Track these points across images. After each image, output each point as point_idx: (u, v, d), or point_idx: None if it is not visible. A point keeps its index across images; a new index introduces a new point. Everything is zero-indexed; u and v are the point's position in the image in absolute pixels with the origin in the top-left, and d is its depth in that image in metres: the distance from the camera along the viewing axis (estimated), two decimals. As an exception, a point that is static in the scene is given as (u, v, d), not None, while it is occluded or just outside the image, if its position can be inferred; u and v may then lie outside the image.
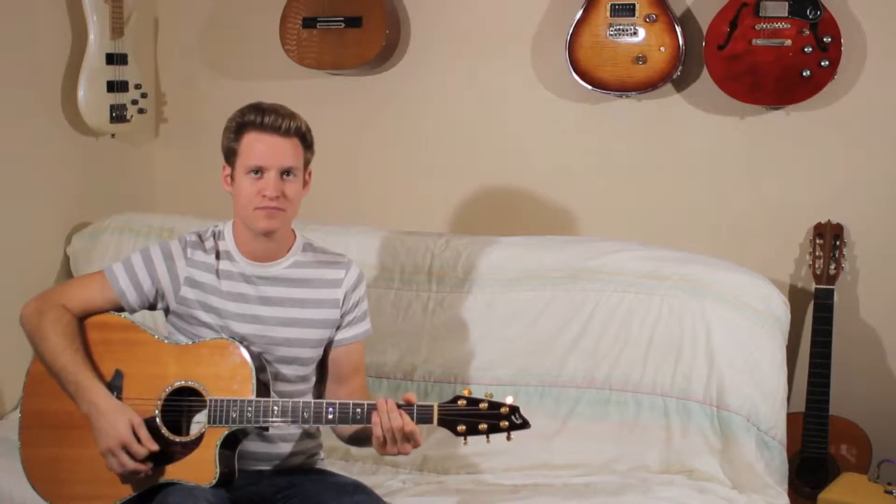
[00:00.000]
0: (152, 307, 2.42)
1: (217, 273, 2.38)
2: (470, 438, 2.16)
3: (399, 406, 2.17)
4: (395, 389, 2.97)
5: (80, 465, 2.30)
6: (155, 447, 2.23)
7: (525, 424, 2.15)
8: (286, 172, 2.31)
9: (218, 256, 2.39)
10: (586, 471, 2.76)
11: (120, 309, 2.40)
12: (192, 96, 3.89)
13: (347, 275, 2.44)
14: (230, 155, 2.34)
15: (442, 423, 2.15)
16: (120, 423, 2.22)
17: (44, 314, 2.35)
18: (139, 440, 2.22)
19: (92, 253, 3.37)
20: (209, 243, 2.41)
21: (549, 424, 2.82)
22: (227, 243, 2.40)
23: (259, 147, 2.29)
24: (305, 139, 2.35)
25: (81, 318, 2.37)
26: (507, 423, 2.14)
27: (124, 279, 2.38)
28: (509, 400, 2.16)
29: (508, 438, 2.16)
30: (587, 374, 2.83)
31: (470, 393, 2.17)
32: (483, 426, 2.14)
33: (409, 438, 2.18)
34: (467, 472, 2.83)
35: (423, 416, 2.16)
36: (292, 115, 2.32)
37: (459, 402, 2.15)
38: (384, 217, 3.50)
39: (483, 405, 2.15)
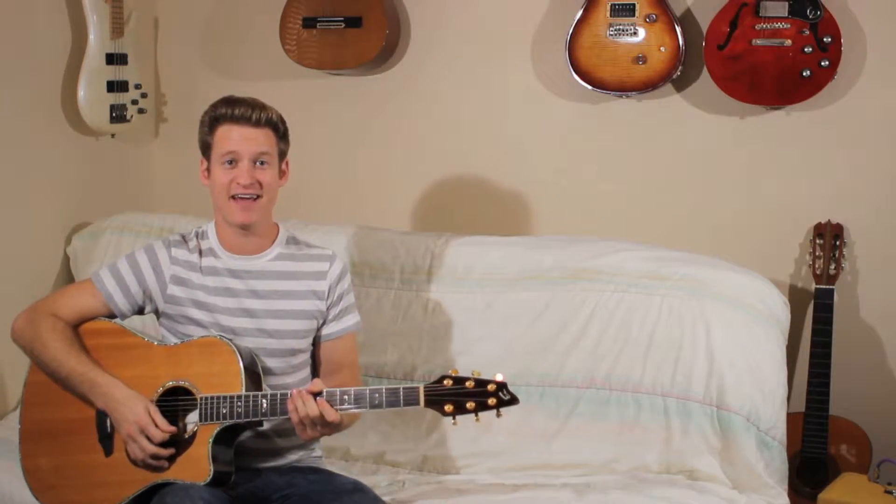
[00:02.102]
0: (141, 310, 2.44)
1: (201, 270, 2.40)
2: (459, 418, 2.13)
3: (314, 394, 2.19)
4: (395, 389, 2.97)
5: (79, 470, 2.32)
6: (171, 429, 2.24)
7: (514, 400, 2.13)
8: (260, 161, 2.35)
9: (201, 254, 2.42)
10: (586, 471, 2.76)
11: (110, 315, 2.42)
12: (192, 96, 3.88)
13: (332, 267, 2.47)
14: (205, 148, 2.40)
15: (428, 403, 2.14)
16: (137, 408, 2.24)
17: (37, 324, 2.37)
18: (156, 425, 2.24)
19: (92, 253, 3.37)
20: (192, 243, 2.44)
21: (549, 424, 2.82)
22: (211, 241, 2.44)
23: (231, 136, 2.34)
24: (278, 129, 2.39)
25: (74, 326, 2.39)
26: (494, 401, 2.12)
27: (111, 283, 2.40)
28: (498, 377, 2.14)
29: (498, 415, 2.14)
30: (587, 374, 2.83)
31: (457, 372, 2.15)
32: (471, 404, 2.12)
33: (326, 424, 2.19)
34: (467, 472, 2.83)
35: (409, 399, 2.16)
36: (263, 107, 2.37)
37: (445, 382, 2.14)
38: (384, 217, 3.50)
39: (469, 383, 2.13)
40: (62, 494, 2.33)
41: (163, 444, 2.25)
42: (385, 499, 2.35)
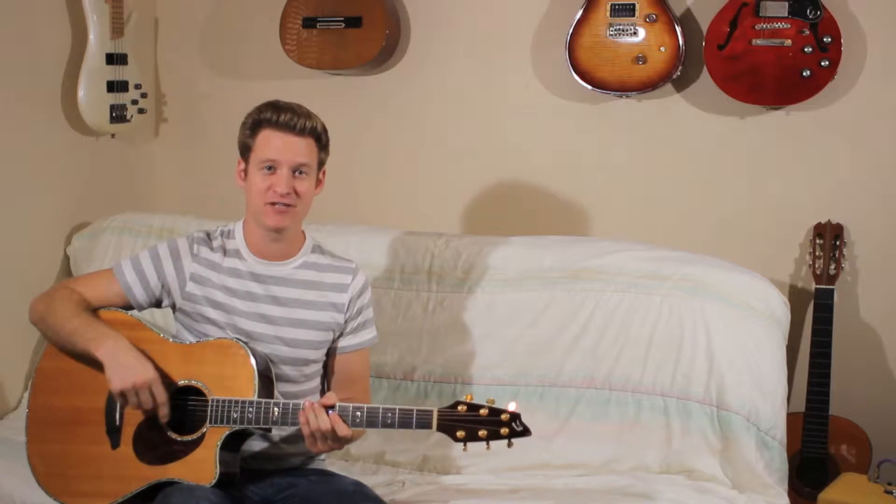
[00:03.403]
0: (158, 304, 2.44)
1: (223, 271, 2.39)
2: (469, 445, 2.14)
3: (327, 407, 2.19)
4: (395, 390, 2.97)
5: (84, 461, 2.32)
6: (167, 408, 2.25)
7: (526, 432, 2.13)
8: (298, 170, 2.33)
9: (225, 254, 2.41)
10: (586, 471, 2.75)
11: (127, 306, 2.42)
12: (192, 96, 3.89)
13: (354, 281, 2.47)
14: (245, 150, 2.38)
15: (441, 428, 2.14)
16: (150, 366, 2.24)
17: (53, 295, 2.40)
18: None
19: (92, 253, 3.37)
20: (217, 242, 2.43)
21: (549, 424, 2.82)
22: (237, 242, 2.43)
23: (273, 143, 2.32)
24: (320, 139, 2.38)
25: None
26: (507, 430, 2.12)
27: (131, 274, 2.40)
28: (511, 406, 2.14)
29: (509, 445, 2.13)
30: (587, 374, 2.83)
31: (471, 398, 2.15)
32: (483, 432, 2.12)
33: (336, 439, 2.19)
34: (467, 472, 2.83)
35: (422, 421, 2.16)
36: (308, 115, 2.36)
37: (459, 408, 2.14)
38: (384, 217, 3.50)
39: (483, 411, 2.13)
40: (65, 483, 2.33)
41: (169, 443, 2.26)
42: (385, 499, 2.34)
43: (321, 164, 2.41)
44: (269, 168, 2.32)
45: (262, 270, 2.40)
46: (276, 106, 2.34)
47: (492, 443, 2.13)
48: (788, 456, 2.77)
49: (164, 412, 2.25)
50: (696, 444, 2.73)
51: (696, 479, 2.68)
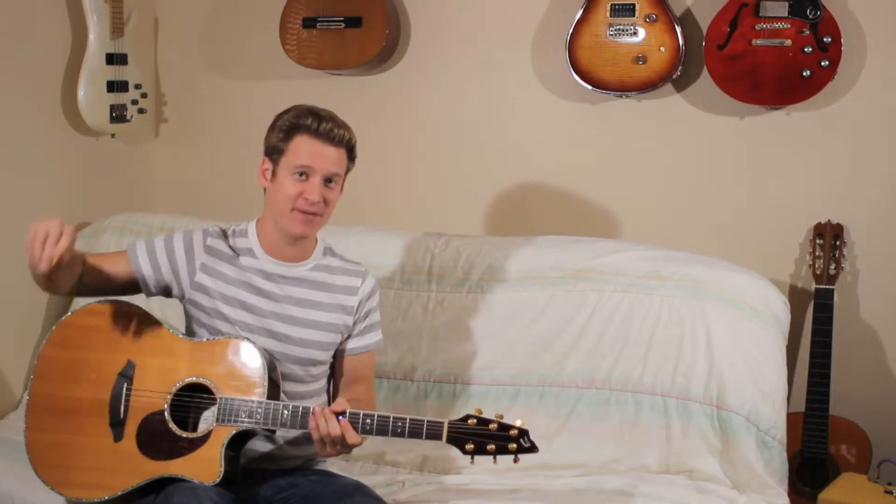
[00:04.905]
0: (168, 291, 2.44)
1: (236, 266, 2.40)
2: (477, 458, 2.16)
3: (338, 414, 2.19)
4: (395, 390, 2.97)
5: (85, 452, 2.31)
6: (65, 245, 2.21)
7: (533, 448, 2.15)
8: (330, 179, 2.34)
9: (239, 252, 2.42)
10: (586, 471, 2.76)
11: (135, 287, 2.41)
12: (192, 96, 3.89)
13: (364, 284, 2.48)
14: (274, 152, 2.36)
15: (451, 440, 2.16)
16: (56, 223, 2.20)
17: None
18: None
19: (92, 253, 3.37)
20: (231, 239, 2.45)
21: (549, 424, 2.82)
22: (250, 241, 2.43)
23: (309, 150, 2.32)
24: (352, 152, 2.40)
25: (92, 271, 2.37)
26: (515, 446, 2.14)
27: (143, 257, 2.41)
28: (519, 423, 2.16)
29: (515, 461, 2.15)
30: (587, 374, 2.83)
31: (480, 412, 2.17)
32: (491, 447, 2.14)
33: (346, 445, 2.20)
34: (467, 472, 2.82)
35: (432, 433, 2.18)
36: (346, 127, 2.37)
37: (469, 421, 2.16)
38: (384, 217, 3.50)
39: (493, 426, 2.15)
40: (63, 473, 2.32)
41: (174, 439, 2.26)
42: (385, 499, 2.35)
43: (346, 172, 2.42)
44: (302, 174, 2.32)
45: (275, 270, 2.41)
46: (316, 113, 2.35)
47: (499, 457, 2.15)
48: (788, 456, 2.77)
49: (48, 252, 2.21)
50: (696, 444, 2.73)
51: (696, 479, 2.68)
